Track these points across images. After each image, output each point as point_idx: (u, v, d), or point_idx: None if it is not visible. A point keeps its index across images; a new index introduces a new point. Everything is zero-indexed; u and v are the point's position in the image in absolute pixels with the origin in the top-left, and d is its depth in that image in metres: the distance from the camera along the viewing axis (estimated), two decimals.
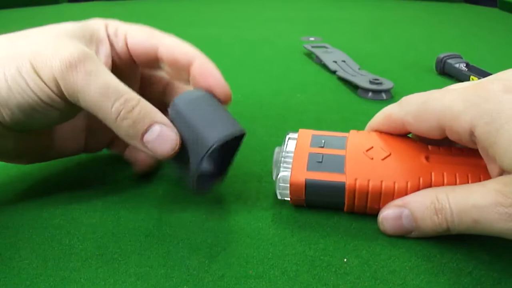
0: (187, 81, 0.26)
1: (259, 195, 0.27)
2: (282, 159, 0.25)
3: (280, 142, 0.27)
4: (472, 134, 0.21)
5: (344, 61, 0.57)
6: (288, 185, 0.24)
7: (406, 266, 0.21)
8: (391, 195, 0.23)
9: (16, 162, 0.27)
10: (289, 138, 0.27)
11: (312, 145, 0.26)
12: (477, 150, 0.22)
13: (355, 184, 0.23)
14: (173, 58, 0.26)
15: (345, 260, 0.22)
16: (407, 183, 0.23)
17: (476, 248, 0.22)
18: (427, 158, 0.24)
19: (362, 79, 0.48)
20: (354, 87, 0.49)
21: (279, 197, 0.25)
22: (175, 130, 0.23)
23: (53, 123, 0.24)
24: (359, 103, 0.44)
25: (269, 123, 0.39)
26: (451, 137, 0.22)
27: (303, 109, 0.43)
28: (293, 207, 0.26)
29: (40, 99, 0.22)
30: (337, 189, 0.24)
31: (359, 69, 0.54)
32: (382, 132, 0.26)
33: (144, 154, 0.27)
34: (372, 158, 0.24)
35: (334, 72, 0.54)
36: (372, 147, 0.25)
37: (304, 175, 0.24)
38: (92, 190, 0.28)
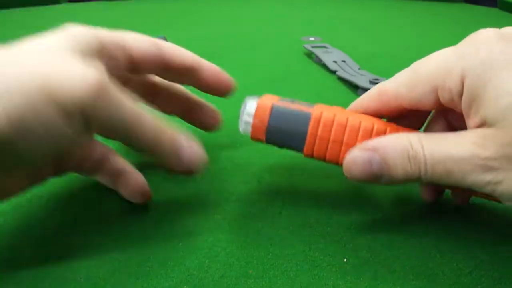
0: (192, 85, 0.28)
1: (259, 195, 0.27)
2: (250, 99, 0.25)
3: None
4: (463, 86, 0.20)
5: (344, 61, 0.57)
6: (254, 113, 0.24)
7: (406, 266, 0.21)
8: (356, 132, 0.23)
9: None
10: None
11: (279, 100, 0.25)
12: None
13: (321, 114, 0.23)
14: (181, 60, 0.26)
15: (345, 260, 0.22)
16: (373, 124, 0.23)
17: (476, 248, 0.22)
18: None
19: (362, 79, 0.48)
20: (354, 87, 0.49)
21: (241, 129, 0.24)
22: (199, 146, 0.23)
23: (53, 157, 0.21)
24: None
25: None
26: (444, 99, 0.21)
27: None
28: (293, 207, 0.26)
29: (55, 133, 0.19)
30: (302, 118, 0.23)
31: (359, 69, 0.54)
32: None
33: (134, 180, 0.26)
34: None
35: (334, 72, 0.54)
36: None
37: (272, 101, 0.24)
38: (92, 190, 0.28)
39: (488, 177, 0.19)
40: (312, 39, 0.73)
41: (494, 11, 1.13)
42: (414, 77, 0.22)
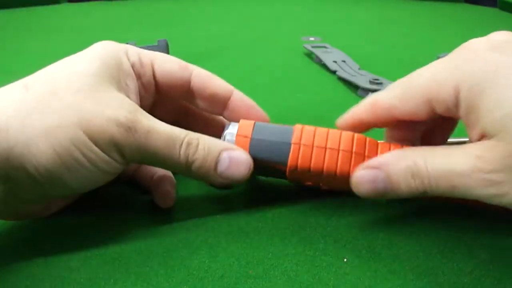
0: (219, 113, 0.27)
1: (259, 195, 0.27)
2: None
3: None
4: (457, 99, 0.20)
5: (344, 61, 0.57)
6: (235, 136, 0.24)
7: (406, 266, 0.21)
8: (338, 138, 0.23)
9: (8, 219, 0.24)
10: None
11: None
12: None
13: (302, 127, 0.24)
14: (211, 93, 0.26)
15: (345, 260, 0.22)
16: (354, 134, 0.23)
17: (476, 248, 0.22)
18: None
19: (362, 79, 0.48)
20: (354, 87, 0.49)
21: (224, 139, 0.24)
22: (242, 149, 0.23)
23: (97, 185, 0.23)
24: None
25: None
26: (440, 109, 0.21)
27: (303, 109, 0.43)
28: (293, 207, 0.26)
29: (97, 166, 0.21)
30: (285, 131, 0.23)
31: (359, 69, 0.54)
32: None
33: (168, 187, 0.26)
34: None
35: (334, 72, 0.54)
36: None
37: (254, 121, 0.24)
38: (92, 191, 0.28)
39: (492, 190, 0.19)
40: (312, 39, 0.73)
41: (494, 11, 1.13)
42: (407, 90, 0.22)
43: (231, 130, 0.24)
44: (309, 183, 0.25)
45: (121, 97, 0.22)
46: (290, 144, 0.23)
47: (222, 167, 0.23)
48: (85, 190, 0.22)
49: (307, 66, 0.59)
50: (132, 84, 0.24)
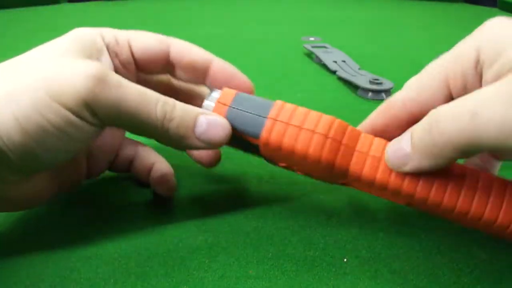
0: (202, 83, 0.26)
1: (258, 195, 0.27)
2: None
3: None
4: (478, 62, 0.19)
5: (344, 61, 0.57)
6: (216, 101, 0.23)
7: (406, 266, 0.21)
8: (318, 118, 0.22)
9: (6, 210, 0.23)
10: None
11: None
12: None
13: (283, 103, 0.22)
14: (190, 61, 0.25)
15: (345, 260, 0.22)
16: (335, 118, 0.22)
17: (476, 248, 0.22)
18: None
19: (362, 79, 0.48)
20: (354, 87, 0.49)
21: (203, 104, 0.23)
22: (219, 115, 0.22)
23: (71, 155, 0.21)
24: (359, 103, 0.44)
25: None
26: (457, 88, 0.20)
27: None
28: (293, 208, 0.26)
29: (66, 131, 0.19)
30: (264, 104, 0.22)
31: (359, 69, 0.54)
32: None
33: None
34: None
35: (334, 72, 0.54)
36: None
37: (234, 94, 0.23)
38: (92, 190, 0.28)
39: None
40: (312, 39, 0.73)
41: (494, 11, 1.13)
42: (423, 76, 0.21)
43: (213, 95, 0.23)
44: (283, 164, 0.24)
45: (90, 61, 0.21)
46: (265, 118, 0.22)
47: (200, 128, 0.21)
48: (61, 161, 0.21)
49: (307, 66, 0.59)
50: (106, 61, 0.24)
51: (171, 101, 0.21)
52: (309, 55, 0.64)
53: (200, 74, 0.26)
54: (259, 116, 0.22)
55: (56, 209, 0.26)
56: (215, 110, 0.23)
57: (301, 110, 0.22)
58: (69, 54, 0.21)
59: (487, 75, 0.18)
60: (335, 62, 0.57)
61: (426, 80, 0.21)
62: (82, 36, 0.23)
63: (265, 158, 0.24)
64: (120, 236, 0.23)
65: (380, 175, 0.21)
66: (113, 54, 0.24)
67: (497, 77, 0.17)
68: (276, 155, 0.23)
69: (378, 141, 0.22)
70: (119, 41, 0.24)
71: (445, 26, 0.93)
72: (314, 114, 0.22)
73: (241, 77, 0.27)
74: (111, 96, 0.19)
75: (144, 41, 0.25)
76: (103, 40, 0.24)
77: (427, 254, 0.22)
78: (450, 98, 0.20)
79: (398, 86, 0.47)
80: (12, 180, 0.20)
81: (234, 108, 0.23)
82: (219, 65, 0.26)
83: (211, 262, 0.22)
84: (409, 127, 0.22)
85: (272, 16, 1.04)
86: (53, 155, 0.20)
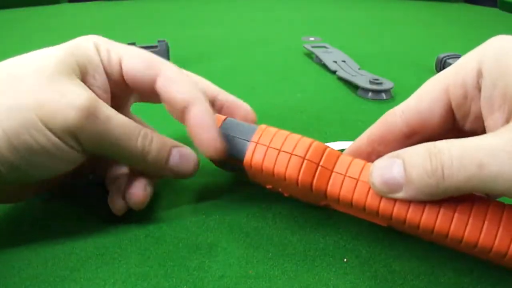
0: (181, 121, 0.24)
1: (258, 195, 0.27)
2: None
3: None
4: (480, 74, 0.18)
5: (344, 61, 0.57)
6: None
7: (406, 266, 0.21)
8: (295, 141, 0.22)
9: None
10: None
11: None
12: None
13: (266, 127, 0.23)
14: (169, 96, 0.23)
15: (345, 260, 0.22)
16: (313, 140, 0.22)
17: None
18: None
19: (362, 79, 0.48)
20: (354, 87, 0.49)
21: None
22: (190, 148, 0.24)
23: (58, 172, 0.22)
24: (359, 103, 0.44)
25: (269, 123, 0.39)
26: (457, 99, 0.19)
27: (303, 109, 0.43)
28: (293, 207, 0.26)
29: (52, 154, 0.20)
30: (249, 128, 0.24)
31: (359, 69, 0.54)
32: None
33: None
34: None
35: (334, 72, 0.54)
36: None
37: (223, 119, 0.25)
38: (92, 190, 0.28)
39: None
40: (312, 39, 0.73)
41: (494, 11, 1.13)
42: (423, 86, 0.21)
43: None
44: (269, 186, 0.25)
45: (83, 86, 0.21)
46: (249, 141, 0.23)
47: (173, 161, 0.24)
48: (48, 177, 0.22)
49: (307, 66, 0.59)
50: (100, 79, 0.24)
51: (149, 134, 0.23)
52: (309, 55, 0.64)
53: (177, 113, 0.24)
54: (243, 139, 0.24)
55: (55, 209, 0.26)
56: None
57: (282, 133, 0.23)
58: (64, 72, 0.21)
59: (491, 92, 0.18)
60: (335, 62, 0.57)
61: (426, 89, 0.21)
62: (79, 49, 0.23)
63: (252, 180, 0.25)
64: (120, 236, 0.23)
65: (356, 197, 0.20)
66: (107, 73, 0.24)
67: (503, 101, 0.17)
68: (260, 177, 0.24)
69: (357, 162, 0.21)
70: (111, 60, 0.24)
71: (445, 26, 0.93)
72: (293, 137, 0.22)
73: (210, 132, 0.23)
74: (99, 129, 0.21)
75: (134, 65, 0.24)
76: (99, 55, 0.24)
77: (427, 254, 0.22)
78: (449, 107, 0.20)
79: (398, 86, 0.47)
80: (2, 187, 0.22)
81: (221, 133, 0.24)
82: (194, 112, 0.23)
83: (211, 262, 0.22)
84: (406, 139, 0.22)
85: (272, 16, 1.04)
86: (40, 172, 0.21)
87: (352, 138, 0.34)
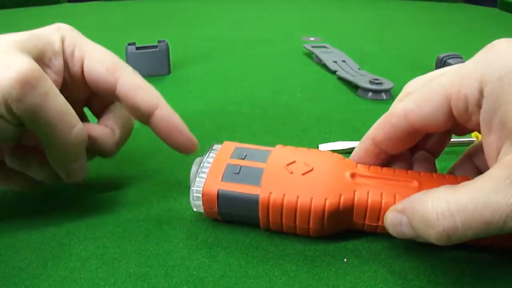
0: (147, 123, 0.25)
1: None
2: (201, 169, 0.24)
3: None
4: (481, 94, 0.18)
5: (344, 61, 0.57)
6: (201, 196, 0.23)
7: (406, 266, 0.21)
8: (307, 212, 0.22)
9: None
10: (211, 150, 0.25)
11: (232, 157, 0.24)
12: (407, 171, 0.22)
13: (269, 197, 0.22)
14: (133, 102, 0.24)
15: (345, 260, 0.22)
16: (325, 200, 0.22)
17: (476, 248, 0.22)
18: (352, 176, 0.23)
19: (362, 79, 0.48)
20: (354, 87, 0.49)
21: (194, 209, 0.24)
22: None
23: None
24: (359, 103, 0.44)
25: (269, 123, 0.39)
26: (458, 110, 0.19)
27: (303, 109, 0.42)
28: None
29: None
30: (250, 202, 0.22)
31: (359, 69, 0.54)
32: (310, 149, 0.25)
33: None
34: (292, 172, 0.23)
35: (334, 72, 0.54)
36: (294, 161, 0.23)
37: (218, 186, 0.23)
38: (92, 190, 0.28)
39: None
40: (312, 39, 0.73)
41: (494, 11, 1.13)
42: (426, 90, 0.21)
43: (197, 192, 0.23)
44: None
45: (29, 58, 0.21)
46: (257, 217, 0.23)
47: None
48: None
49: (307, 66, 0.59)
50: (57, 65, 0.23)
51: (85, 132, 0.23)
52: (309, 55, 0.64)
53: (144, 118, 0.25)
54: (250, 216, 0.23)
55: (55, 209, 0.26)
56: (206, 213, 0.24)
57: (290, 201, 0.22)
58: (16, 49, 0.21)
59: (490, 116, 0.18)
60: (335, 62, 0.57)
61: (428, 94, 0.21)
62: (43, 34, 0.23)
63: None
64: (120, 236, 0.23)
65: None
66: (65, 64, 0.24)
67: (501, 128, 0.18)
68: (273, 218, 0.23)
69: (371, 212, 0.22)
70: (74, 53, 0.24)
71: (445, 26, 0.93)
72: (304, 202, 0.22)
73: (182, 132, 0.25)
74: (33, 102, 0.20)
75: (94, 67, 0.24)
76: (63, 44, 0.24)
77: (427, 254, 0.22)
78: (451, 113, 0.20)
79: (398, 86, 0.47)
80: None
81: (223, 213, 0.23)
82: (162, 115, 0.24)
83: (211, 262, 0.22)
84: (411, 138, 0.22)
85: (272, 16, 1.04)
86: None
87: (352, 138, 0.34)
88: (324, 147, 0.33)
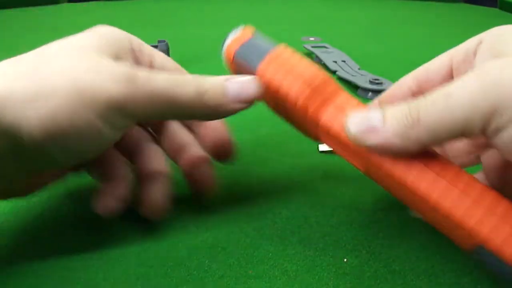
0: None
1: (259, 195, 0.27)
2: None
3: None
4: (479, 42, 0.20)
5: (344, 61, 0.57)
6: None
7: (406, 266, 0.21)
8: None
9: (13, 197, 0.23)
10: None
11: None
12: None
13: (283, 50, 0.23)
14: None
15: (345, 260, 0.22)
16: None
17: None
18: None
19: (362, 79, 0.48)
20: (354, 87, 0.49)
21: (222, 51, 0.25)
22: (244, 76, 0.23)
23: (88, 157, 0.21)
24: None
25: (269, 123, 0.39)
26: (457, 59, 0.21)
27: None
28: (293, 207, 0.26)
29: (89, 135, 0.19)
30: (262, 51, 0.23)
31: (359, 69, 0.54)
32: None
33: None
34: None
35: (334, 72, 0.54)
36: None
37: (249, 35, 0.25)
38: (92, 190, 0.28)
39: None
40: (312, 39, 0.73)
41: (494, 11, 1.13)
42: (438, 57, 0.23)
43: (231, 35, 0.25)
44: (270, 106, 0.25)
45: (113, 59, 0.21)
46: (264, 57, 0.23)
47: (233, 91, 0.22)
48: (74, 163, 0.21)
49: None
50: (130, 60, 0.23)
51: (197, 76, 0.21)
52: (309, 55, 0.64)
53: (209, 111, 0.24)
54: (261, 54, 0.23)
55: (56, 210, 0.26)
56: (229, 47, 0.25)
57: (296, 57, 0.23)
58: (96, 52, 0.20)
59: (484, 55, 0.19)
60: (335, 62, 0.57)
61: (437, 57, 0.23)
62: (109, 34, 0.22)
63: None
64: (120, 236, 0.23)
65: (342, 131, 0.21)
66: (135, 60, 0.23)
67: (489, 49, 0.19)
68: (265, 94, 0.23)
69: (355, 101, 0.22)
70: (143, 51, 0.24)
71: (445, 26, 0.93)
72: (306, 63, 0.23)
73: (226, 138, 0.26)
74: (144, 93, 0.19)
75: (166, 63, 0.25)
76: (131, 44, 0.23)
77: (427, 254, 0.22)
78: (451, 69, 0.22)
79: None
80: (17, 179, 0.20)
81: (243, 46, 0.24)
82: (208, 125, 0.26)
83: (211, 262, 0.22)
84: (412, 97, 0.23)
85: (272, 16, 1.04)
86: (69, 157, 0.20)
87: None
88: (324, 147, 0.33)
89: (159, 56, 0.25)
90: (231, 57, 0.24)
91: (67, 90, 0.18)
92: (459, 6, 1.25)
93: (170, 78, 0.20)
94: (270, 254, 0.22)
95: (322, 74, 0.22)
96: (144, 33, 0.84)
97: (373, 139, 0.19)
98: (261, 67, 0.23)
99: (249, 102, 0.22)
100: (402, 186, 0.19)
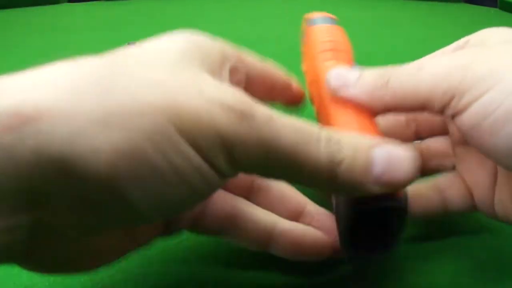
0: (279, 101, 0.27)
1: None
2: None
3: None
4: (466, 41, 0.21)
5: None
6: None
7: (406, 266, 0.21)
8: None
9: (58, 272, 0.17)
10: None
11: None
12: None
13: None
14: (284, 83, 0.27)
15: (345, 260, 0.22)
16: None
17: (476, 248, 0.22)
18: None
19: None
20: None
21: None
22: (398, 145, 0.16)
23: (178, 210, 0.15)
24: None
25: None
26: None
27: (303, 108, 0.42)
28: None
29: (183, 177, 0.13)
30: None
31: None
32: None
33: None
34: None
35: None
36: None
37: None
38: None
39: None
40: None
41: (494, 11, 1.13)
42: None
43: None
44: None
45: (219, 82, 0.15)
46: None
47: (379, 168, 0.15)
48: (159, 217, 0.15)
49: None
50: (225, 74, 0.17)
51: (334, 134, 0.15)
52: None
53: (283, 94, 0.27)
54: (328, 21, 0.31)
55: None
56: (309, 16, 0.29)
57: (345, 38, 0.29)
58: (193, 67, 0.15)
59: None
60: None
61: (425, 58, 0.24)
62: (201, 44, 0.17)
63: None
64: None
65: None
66: (233, 73, 0.18)
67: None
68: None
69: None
70: (239, 69, 0.18)
71: (445, 26, 0.93)
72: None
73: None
74: (261, 136, 0.14)
75: (257, 65, 0.21)
76: (224, 54, 0.18)
77: (427, 254, 0.22)
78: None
79: None
80: (70, 232, 0.14)
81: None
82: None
83: (211, 262, 0.22)
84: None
85: (272, 16, 1.04)
86: (151, 206, 0.13)
87: None
88: None
89: (257, 68, 0.20)
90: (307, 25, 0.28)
91: (156, 112, 0.13)
92: (459, 6, 1.25)
93: (297, 128, 0.14)
94: (270, 254, 0.22)
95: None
96: (144, 33, 0.84)
97: (344, 93, 0.20)
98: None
99: (394, 189, 0.16)
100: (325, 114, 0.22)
